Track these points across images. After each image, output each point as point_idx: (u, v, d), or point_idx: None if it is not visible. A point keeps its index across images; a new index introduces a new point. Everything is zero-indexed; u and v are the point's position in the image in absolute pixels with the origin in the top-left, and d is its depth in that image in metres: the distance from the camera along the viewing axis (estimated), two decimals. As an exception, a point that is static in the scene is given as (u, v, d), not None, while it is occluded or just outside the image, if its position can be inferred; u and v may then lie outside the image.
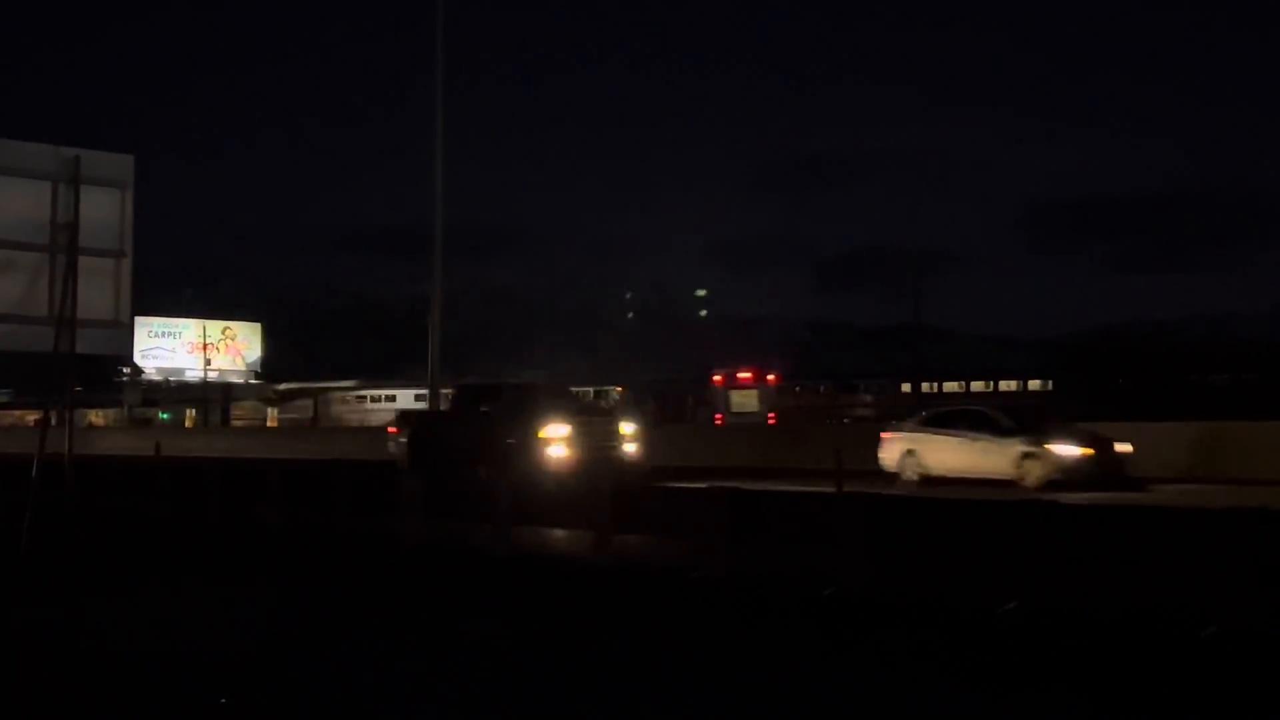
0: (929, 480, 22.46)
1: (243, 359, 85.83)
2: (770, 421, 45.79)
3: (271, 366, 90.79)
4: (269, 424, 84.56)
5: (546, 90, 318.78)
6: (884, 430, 25.07)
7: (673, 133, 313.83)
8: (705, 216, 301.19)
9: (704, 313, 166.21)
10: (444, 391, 39.98)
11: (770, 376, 49.05)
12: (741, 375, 49.46)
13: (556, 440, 23.40)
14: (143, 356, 77.40)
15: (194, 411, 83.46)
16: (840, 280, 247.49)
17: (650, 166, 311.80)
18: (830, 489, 16.51)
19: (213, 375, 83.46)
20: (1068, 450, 21.08)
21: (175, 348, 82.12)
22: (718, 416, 48.23)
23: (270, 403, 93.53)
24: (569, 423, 23.70)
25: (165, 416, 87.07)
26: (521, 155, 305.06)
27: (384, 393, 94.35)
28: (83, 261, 23.48)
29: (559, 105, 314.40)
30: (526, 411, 24.27)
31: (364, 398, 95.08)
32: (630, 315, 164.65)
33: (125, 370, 75.75)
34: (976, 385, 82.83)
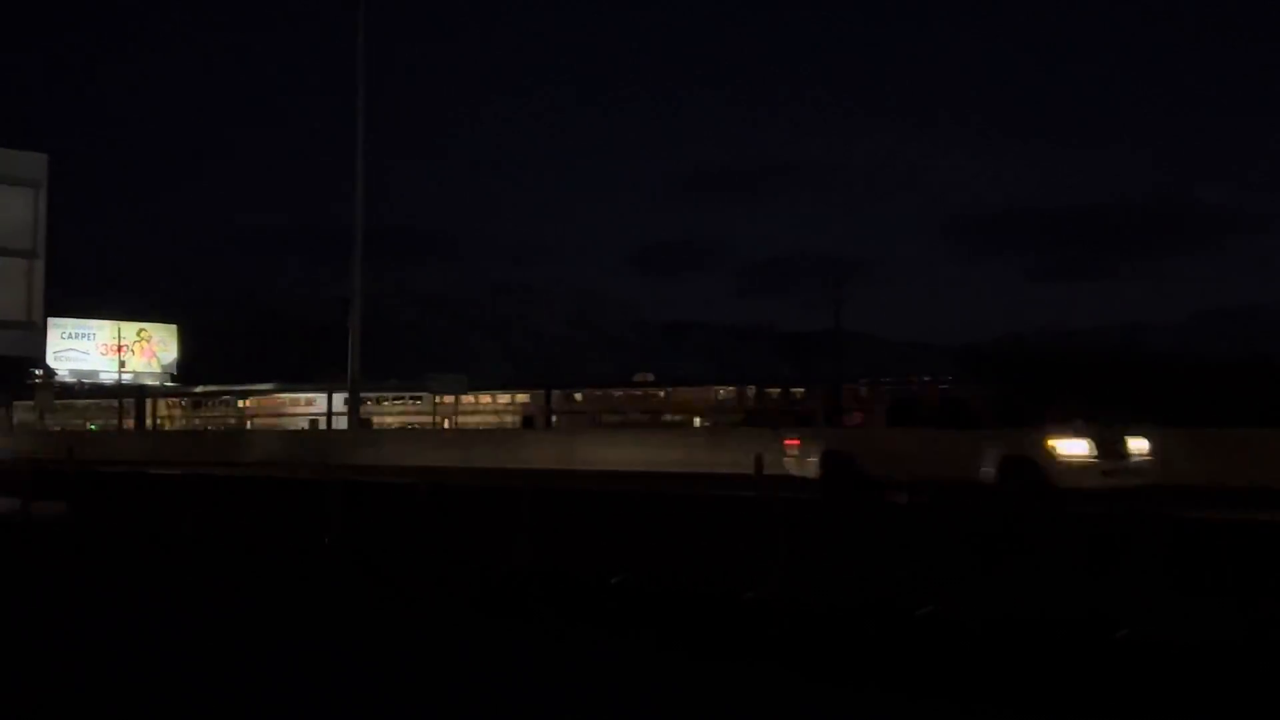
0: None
1: (158, 361, 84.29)
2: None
3: (188, 369, 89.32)
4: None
5: (477, 98, 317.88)
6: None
7: (598, 141, 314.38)
8: (629, 223, 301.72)
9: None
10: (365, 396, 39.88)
11: None
12: None
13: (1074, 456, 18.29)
14: (55, 358, 75.75)
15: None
16: (763, 286, 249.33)
17: (576, 174, 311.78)
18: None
19: (127, 378, 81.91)
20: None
21: (89, 349, 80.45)
22: None
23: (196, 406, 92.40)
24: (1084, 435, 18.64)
25: (94, 428, 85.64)
26: (451, 162, 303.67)
27: (304, 395, 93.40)
28: (-8, 261, 23.09)
29: (490, 113, 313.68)
30: (1015, 422, 19.79)
31: (283, 400, 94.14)
32: (554, 320, 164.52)
33: (37, 373, 74.07)
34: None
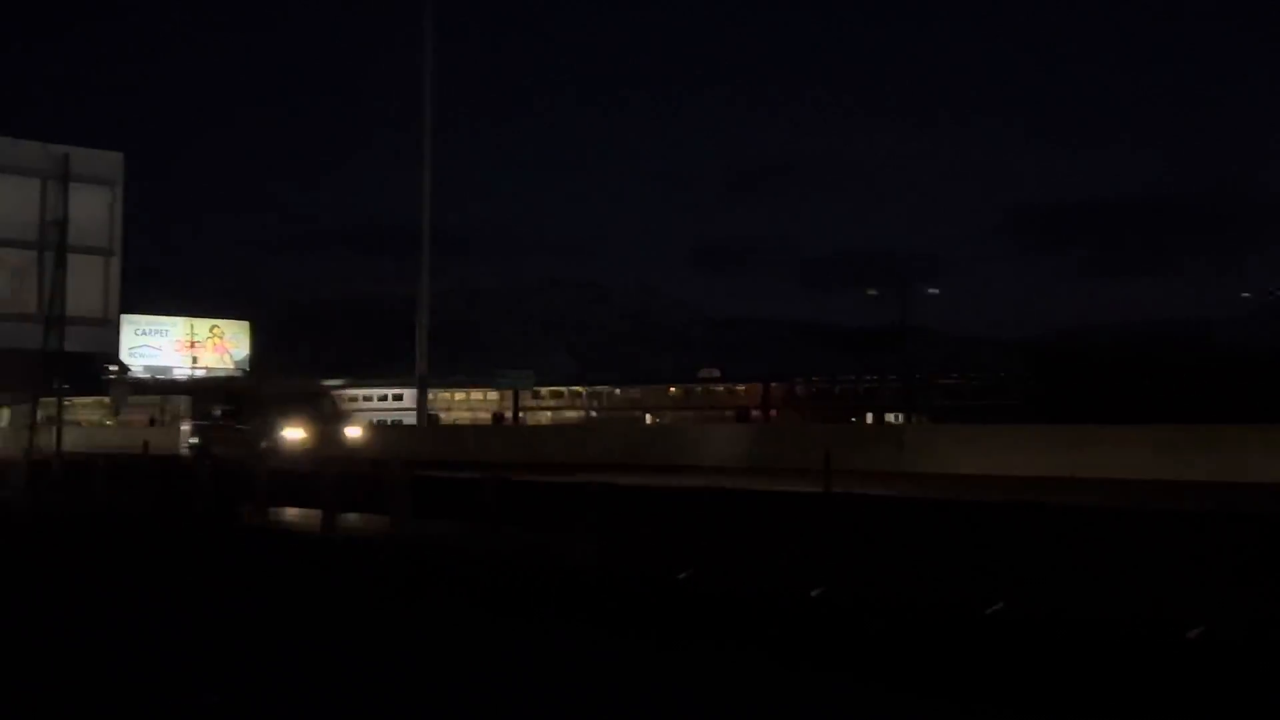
0: None
1: (230, 357, 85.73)
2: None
3: (259, 366, 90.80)
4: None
5: (537, 97, 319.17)
6: None
7: (657, 138, 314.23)
8: (688, 220, 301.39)
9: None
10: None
11: None
12: None
13: None
14: (130, 355, 77.22)
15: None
16: (825, 283, 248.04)
17: (635, 171, 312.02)
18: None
19: (200, 374, 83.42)
20: None
21: (162, 346, 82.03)
22: None
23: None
24: None
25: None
26: (512, 161, 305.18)
27: (377, 391, 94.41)
28: (71, 259, 23.76)
29: (549, 111, 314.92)
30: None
31: (357, 397, 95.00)
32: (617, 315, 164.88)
33: (111, 369, 75.60)
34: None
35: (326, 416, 35.80)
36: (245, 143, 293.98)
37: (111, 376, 73.25)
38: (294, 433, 32.33)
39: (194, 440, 36.61)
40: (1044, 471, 21.92)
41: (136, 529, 22.38)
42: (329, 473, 20.68)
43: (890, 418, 78.71)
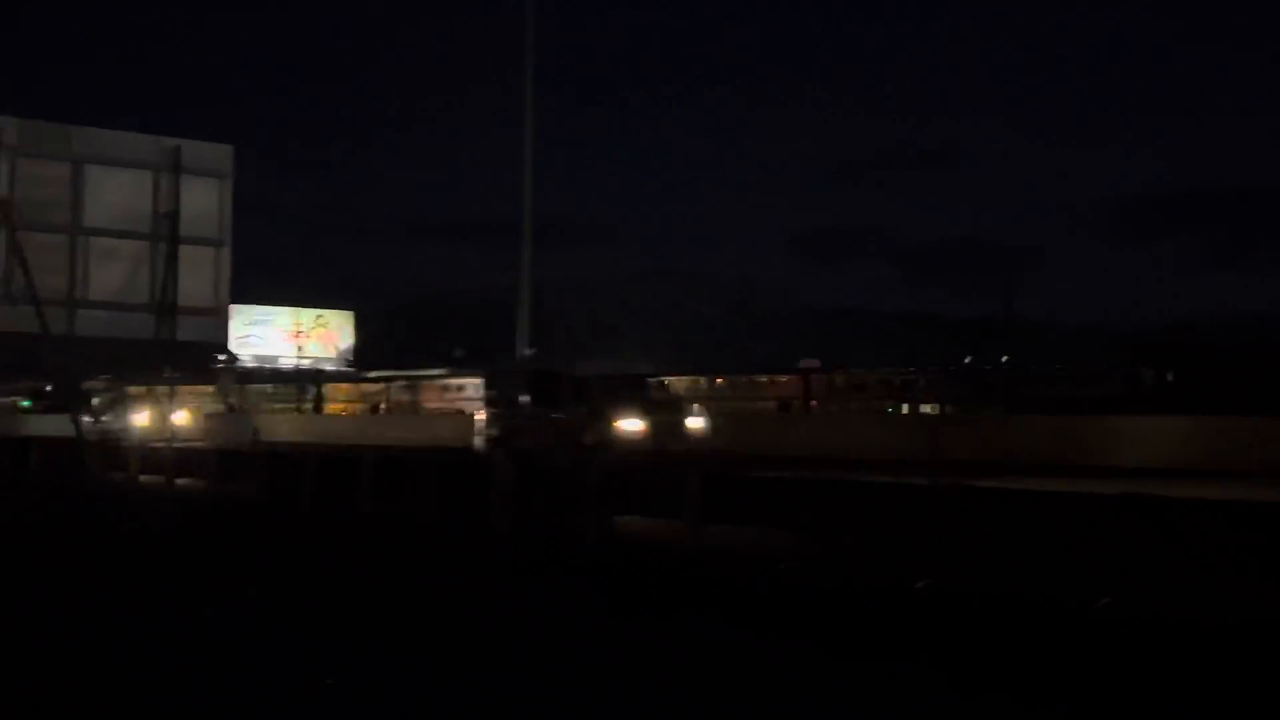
0: None
1: (335, 347, 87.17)
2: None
3: (363, 355, 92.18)
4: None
5: (628, 86, 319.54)
6: None
7: (759, 127, 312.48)
8: (787, 209, 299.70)
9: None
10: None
11: None
12: None
13: None
14: (238, 344, 78.85)
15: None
16: (927, 273, 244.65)
17: (734, 159, 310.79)
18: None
19: (306, 363, 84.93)
20: None
21: (270, 335, 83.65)
22: None
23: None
24: None
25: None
26: (609, 150, 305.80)
27: (471, 382, 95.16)
28: (182, 250, 24.21)
29: (642, 100, 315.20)
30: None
31: (463, 386, 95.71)
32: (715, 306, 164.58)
33: (220, 357, 77.28)
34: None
35: (654, 405, 31.03)
36: (347, 136, 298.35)
37: (220, 365, 74.90)
38: (630, 424, 27.91)
39: (490, 432, 31.34)
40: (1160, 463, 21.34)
41: (424, 546, 18.33)
42: (694, 473, 16.41)
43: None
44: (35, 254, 22.14)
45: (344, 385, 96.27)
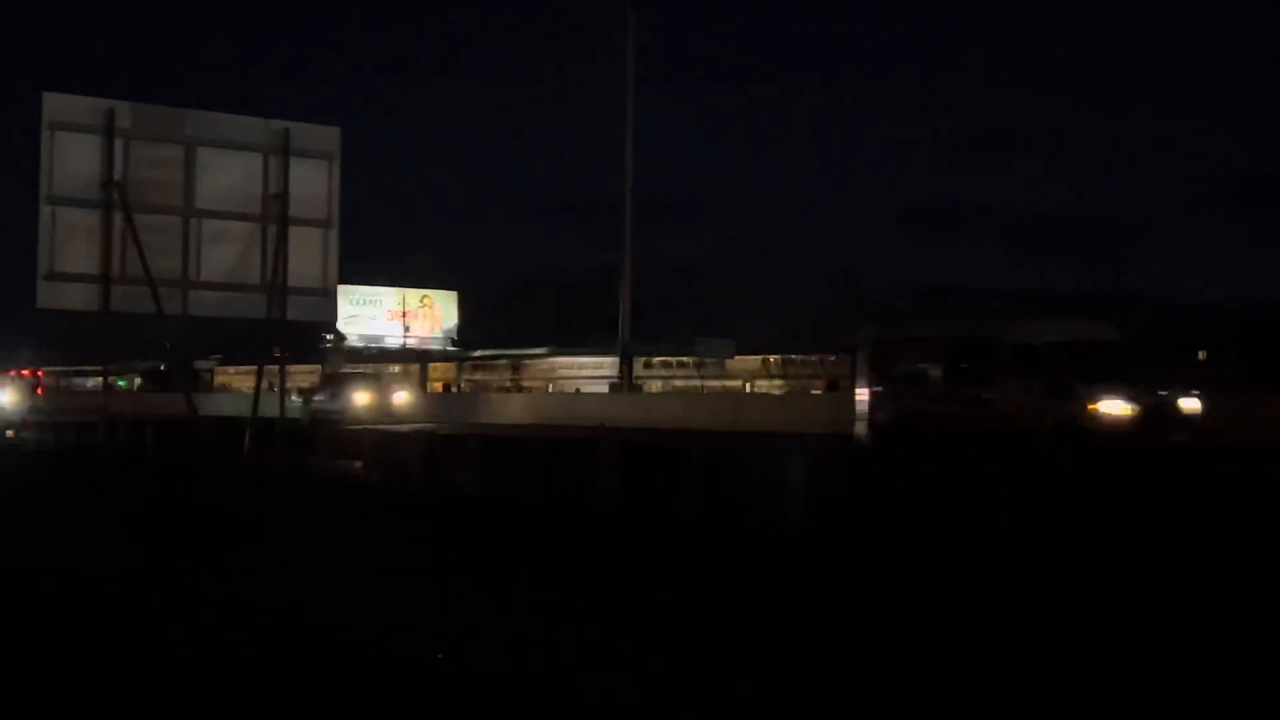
0: None
1: (440, 326, 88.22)
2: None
3: (467, 334, 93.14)
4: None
5: (729, 62, 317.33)
6: None
7: (857, 102, 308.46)
8: (890, 186, 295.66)
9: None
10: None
11: None
12: None
13: None
14: (345, 324, 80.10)
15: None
16: (1033, 249, 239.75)
17: (834, 136, 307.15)
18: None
19: (411, 342, 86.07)
20: None
21: (376, 315, 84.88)
22: None
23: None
24: None
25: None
26: (707, 127, 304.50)
27: (576, 360, 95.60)
28: (292, 231, 24.46)
29: (742, 76, 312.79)
30: None
31: (558, 364, 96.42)
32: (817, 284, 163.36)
33: (328, 337, 78.53)
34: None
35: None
36: (448, 116, 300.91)
37: (327, 345, 76.15)
38: (1112, 404, 20.73)
39: (875, 414, 24.68)
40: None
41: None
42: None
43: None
44: (149, 236, 22.48)
45: (441, 364, 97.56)
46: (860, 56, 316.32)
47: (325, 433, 32.03)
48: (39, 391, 67.54)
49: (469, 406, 49.76)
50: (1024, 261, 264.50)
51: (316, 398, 42.78)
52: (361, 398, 40.61)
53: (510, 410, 44.91)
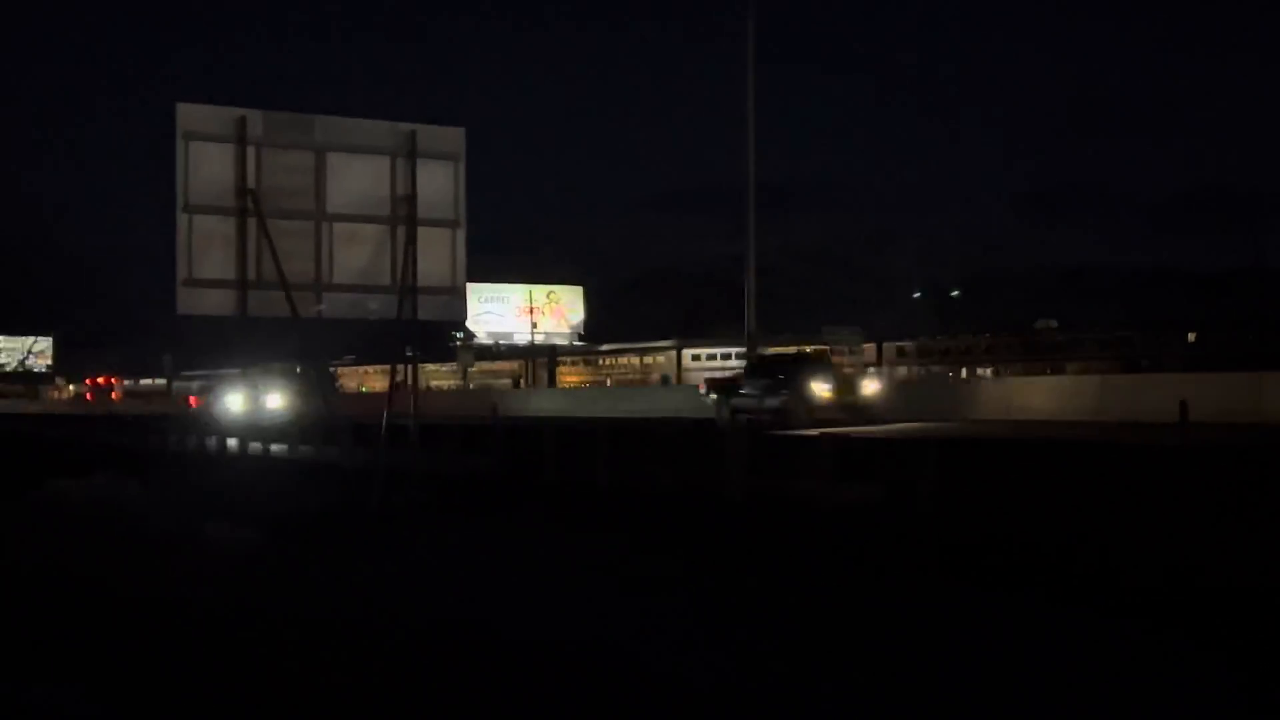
0: None
1: (566, 321, 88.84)
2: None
3: (593, 329, 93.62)
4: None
5: (859, 46, 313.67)
6: None
7: (981, 78, 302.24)
8: (1016, 165, 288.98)
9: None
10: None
11: None
12: None
13: None
14: (474, 321, 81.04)
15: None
16: (1168, 227, 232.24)
17: (958, 115, 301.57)
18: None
19: (539, 338, 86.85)
20: None
21: (504, 312, 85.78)
22: None
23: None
24: None
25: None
26: (828, 111, 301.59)
27: (705, 351, 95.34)
28: (420, 232, 24.76)
29: (858, 61, 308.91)
30: None
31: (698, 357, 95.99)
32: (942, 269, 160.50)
33: (458, 335, 79.54)
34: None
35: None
36: (573, 112, 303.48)
37: (458, 343, 77.20)
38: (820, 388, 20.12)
39: None
40: None
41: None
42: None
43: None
44: (282, 241, 22.92)
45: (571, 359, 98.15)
46: (983, 32, 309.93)
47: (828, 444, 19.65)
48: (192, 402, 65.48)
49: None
50: (1157, 239, 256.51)
51: (743, 391, 30.13)
52: (822, 389, 30.85)
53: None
